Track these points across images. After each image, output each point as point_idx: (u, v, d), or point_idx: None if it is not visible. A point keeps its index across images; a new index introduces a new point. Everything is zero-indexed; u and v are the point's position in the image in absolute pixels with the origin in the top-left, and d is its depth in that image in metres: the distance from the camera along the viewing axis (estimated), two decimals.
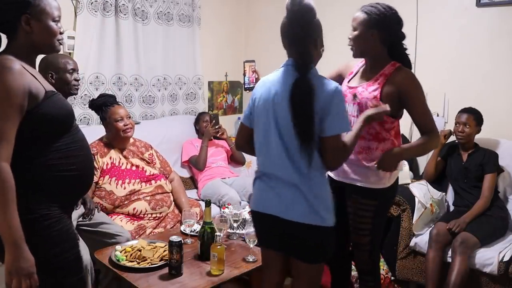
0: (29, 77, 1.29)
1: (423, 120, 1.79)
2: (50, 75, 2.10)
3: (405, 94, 1.76)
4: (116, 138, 2.61)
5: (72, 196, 1.49)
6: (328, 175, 1.92)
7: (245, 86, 2.10)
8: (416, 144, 1.83)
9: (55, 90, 1.39)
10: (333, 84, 1.50)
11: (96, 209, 2.32)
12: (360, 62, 1.97)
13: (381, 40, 1.79)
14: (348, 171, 1.89)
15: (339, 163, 1.60)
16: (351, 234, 1.97)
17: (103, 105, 2.59)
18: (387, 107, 1.70)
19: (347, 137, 1.59)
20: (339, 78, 2.00)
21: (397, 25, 1.80)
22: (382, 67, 1.81)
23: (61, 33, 1.42)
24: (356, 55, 1.86)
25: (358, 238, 1.94)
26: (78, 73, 2.19)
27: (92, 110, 2.68)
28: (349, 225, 1.95)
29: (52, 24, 1.37)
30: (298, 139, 1.48)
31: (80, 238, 2.06)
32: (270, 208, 1.58)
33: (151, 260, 1.96)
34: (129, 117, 2.64)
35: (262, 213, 1.62)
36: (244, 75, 2.07)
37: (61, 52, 2.74)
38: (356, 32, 1.80)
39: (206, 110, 3.90)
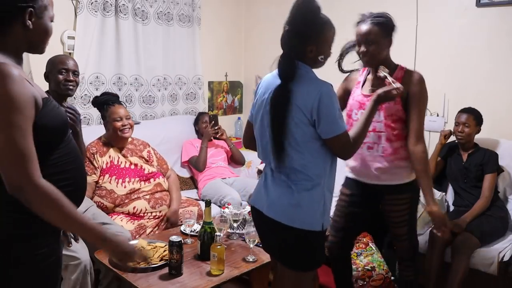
0: (27, 83, 1.11)
1: (419, 124, 1.87)
2: (46, 75, 2.07)
3: (413, 95, 1.85)
4: (114, 137, 2.62)
5: None
6: (360, 181, 2.02)
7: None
8: (427, 178, 1.91)
9: (46, 95, 1.21)
10: (320, 87, 1.46)
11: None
12: (361, 71, 2.06)
13: (389, 46, 1.88)
14: (382, 176, 1.96)
15: (348, 156, 1.61)
16: (390, 228, 2.10)
17: (104, 103, 2.60)
18: (398, 84, 1.72)
19: (356, 126, 1.60)
20: (346, 94, 2.07)
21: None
22: (391, 71, 1.87)
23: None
24: (372, 65, 1.91)
25: (397, 230, 2.06)
26: (75, 74, 2.12)
27: (94, 107, 2.69)
28: (387, 222, 2.07)
29: (50, 23, 1.22)
30: (271, 142, 1.51)
31: (80, 238, 2.06)
32: (258, 203, 1.61)
33: (151, 260, 1.96)
34: (129, 118, 2.64)
35: (253, 206, 1.64)
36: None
37: (61, 52, 2.77)
38: (373, 46, 1.84)
39: (206, 110, 3.90)
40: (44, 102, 1.15)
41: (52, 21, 1.23)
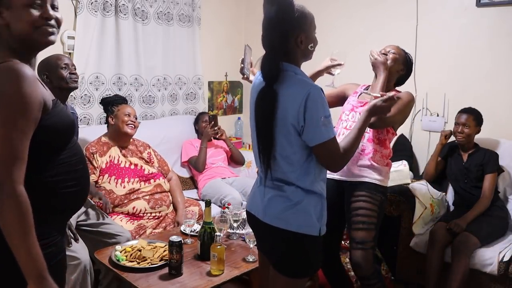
0: (40, 84, 1.12)
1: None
2: (45, 75, 2.08)
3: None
4: (118, 134, 2.65)
5: (69, 215, 1.33)
6: (332, 179, 2.00)
7: (244, 71, 1.81)
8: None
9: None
10: (307, 89, 1.36)
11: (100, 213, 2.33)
12: (361, 86, 2.18)
13: (399, 76, 2.10)
14: (355, 171, 1.99)
15: (337, 167, 1.49)
16: (353, 232, 2.00)
17: (114, 101, 2.70)
18: (391, 93, 1.73)
19: (347, 136, 1.52)
20: (342, 94, 2.19)
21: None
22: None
23: (46, 19, 1.15)
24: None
25: (361, 233, 1.97)
26: (75, 69, 2.16)
27: (102, 105, 2.79)
28: (352, 223, 2.01)
29: (26, 9, 1.11)
30: (258, 147, 1.48)
31: (80, 238, 2.06)
32: (254, 208, 1.57)
33: (151, 260, 1.96)
34: (136, 118, 2.72)
35: (249, 211, 1.61)
36: (244, 60, 1.79)
37: (61, 52, 2.77)
38: (394, 55, 2.04)
39: (206, 110, 3.90)
40: (54, 103, 1.17)
41: (33, 7, 1.12)
